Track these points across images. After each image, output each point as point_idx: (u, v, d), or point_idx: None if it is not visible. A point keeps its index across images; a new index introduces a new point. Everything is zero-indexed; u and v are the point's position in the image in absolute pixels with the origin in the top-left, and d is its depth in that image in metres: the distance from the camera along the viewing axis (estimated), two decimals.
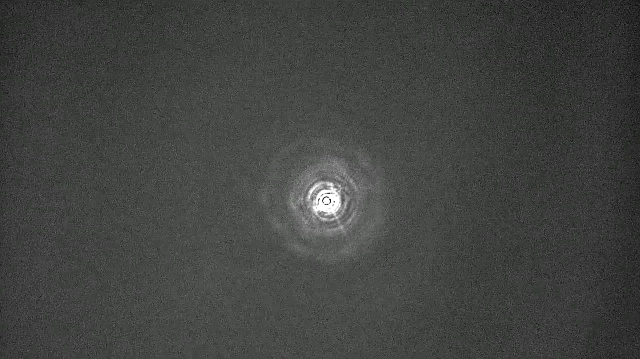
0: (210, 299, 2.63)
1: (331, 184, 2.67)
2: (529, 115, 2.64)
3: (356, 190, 2.64)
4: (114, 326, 2.60)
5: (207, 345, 2.62)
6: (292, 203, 2.68)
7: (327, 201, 2.69)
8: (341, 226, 2.66)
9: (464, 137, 2.64)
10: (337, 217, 2.68)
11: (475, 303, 2.62)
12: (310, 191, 2.68)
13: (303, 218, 2.68)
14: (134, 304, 2.61)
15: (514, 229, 2.63)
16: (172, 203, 2.63)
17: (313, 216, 2.68)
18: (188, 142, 2.64)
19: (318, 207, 2.69)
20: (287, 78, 2.65)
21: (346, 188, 2.64)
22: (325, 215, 2.69)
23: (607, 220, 2.62)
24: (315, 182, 2.68)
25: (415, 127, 2.65)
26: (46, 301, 2.59)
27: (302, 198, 2.68)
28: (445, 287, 2.62)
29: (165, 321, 2.61)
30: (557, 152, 2.64)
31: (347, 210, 2.67)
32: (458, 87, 2.64)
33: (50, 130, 2.62)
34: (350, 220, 2.67)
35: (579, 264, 2.62)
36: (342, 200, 2.67)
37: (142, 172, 2.63)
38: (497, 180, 2.63)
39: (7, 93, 2.61)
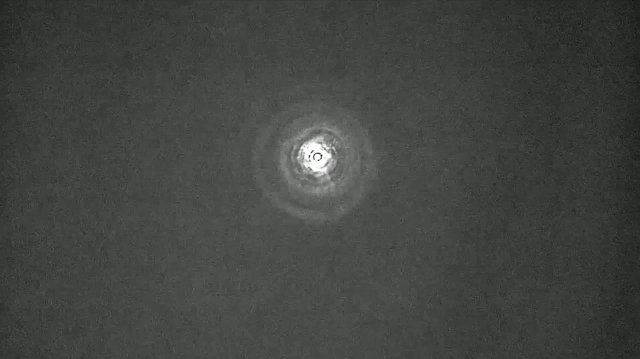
0: (207, 301, 2.63)
1: (322, 138, 2.65)
2: (528, 116, 2.64)
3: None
4: (113, 326, 2.60)
5: (205, 345, 2.63)
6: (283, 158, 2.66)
7: (318, 157, 2.67)
8: (331, 183, 2.65)
9: (462, 137, 2.64)
10: (327, 173, 2.66)
11: (474, 307, 2.62)
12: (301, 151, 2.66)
13: (292, 175, 2.66)
14: (133, 304, 2.61)
15: (514, 229, 2.63)
16: (172, 203, 2.63)
17: (303, 173, 2.66)
18: (186, 142, 2.64)
19: (309, 164, 2.66)
20: (287, 79, 2.65)
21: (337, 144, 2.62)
22: (314, 172, 2.66)
23: (607, 220, 2.61)
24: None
25: (416, 127, 2.65)
26: (46, 302, 2.59)
27: (293, 156, 2.66)
28: (443, 296, 2.62)
29: (165, 320, 2.61)
30: (557, 152, 2.64)
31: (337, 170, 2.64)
32: (456, 87, 2.64)
33: (50, 130, 2.62)
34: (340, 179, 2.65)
35: (580, 264, 2.62)
36: (333, 156, 2.65)
37: (141, 171, 2.63)
38: (497, 180, 2.63)
39: (7, 93, 2.61)
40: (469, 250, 2.62)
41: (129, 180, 2.62)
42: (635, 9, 2.63)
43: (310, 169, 2.66)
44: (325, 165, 2.66)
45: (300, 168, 2.67)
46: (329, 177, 2.65)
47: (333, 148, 2.63)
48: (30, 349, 2.58)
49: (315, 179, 2.67)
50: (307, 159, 2.66)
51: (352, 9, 2.64)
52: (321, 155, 2.66)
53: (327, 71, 2.64)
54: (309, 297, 2.64)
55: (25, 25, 2.61)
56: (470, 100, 2.64)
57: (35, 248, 2.59)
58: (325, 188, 2.66)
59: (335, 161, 2.66)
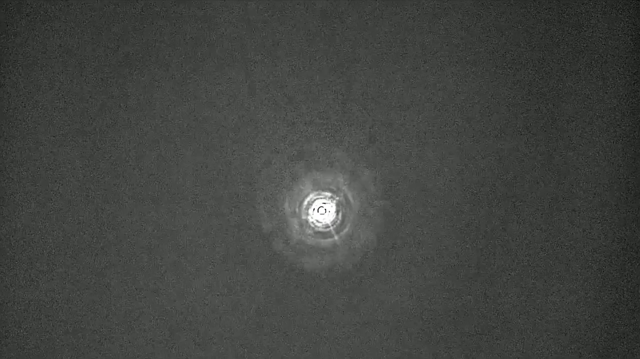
0: (207, 301, 2.63)
1: (327, 194, 2.66)
2: (528, 116, 2.64)
3: (352, 202, 2.64)
4: (113, 326, 2.60)
5: (204, 345, 2.63)
6: (288, 211, 2.67)
7: (322, 211, 2.68)
8: (336, 237, 2.66)
9: (462, 137, 2.64)
10: (332, 227, 2.67)
11: (474, 307, 2.62)
12: (306, 201, 2.67)
13: (297, 227, 2.67)
14: (133, 304, 2.61)
15: (514, 229, 2.63)
16: (172, 203, 2.63)
17: (308, 226, 2.67)
18: (186, 142, 2.64)
19: (313, 217, 2.68)
20: (287, 79, 2.65)
21: (341, 199, 2.63)
22: (321, 225, 2.68)
23: (607, 220, 2.61)
24: (310, 192, 2.67)
25: (416, 127, 2.65)
26: (46, 301, 2.59)
27: (297, 208, 2.67)
28: (443, 296, 2.62)
29: (165, 320, 2.61)
30: (557, 152, 2.64)
31: (342, 220, 2.66)
32: (456, 87, 2.64)
33: (50, 130, 2.62)
34: (345, 230, 2.66)
35: (580, 264, 2.62)
36: (338, 210, 2.66)
37: (141, 171, 2.63)
38: (497, 180, 2.63)
39: (7, 93, 2.61)
40: (469, 250, 2.62)
41: (129, 180, 2.62)
42: (635, 9, 2.63)
43: (317, 222, 2.68)
44: (333, 223, 2.67)
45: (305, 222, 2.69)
46: (334, 233, 2.67)
47: (338, 199, 2.64)
48: (30, 349, 2.58)
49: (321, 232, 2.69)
50: (311, 213, 2.67)
51: (352, 9, 2.64)
52: (326, 209, 2.67)
53: (327, 71, 2.64)
54: (309, 297, 2.64)
55: (25, 25, 2.61)
56: (470, 100, 2.64)
57: (35, 248, 2.59)
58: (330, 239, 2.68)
59: (340, 215, 2.67)
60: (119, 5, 2.63)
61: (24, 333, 2.58)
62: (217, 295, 2.62)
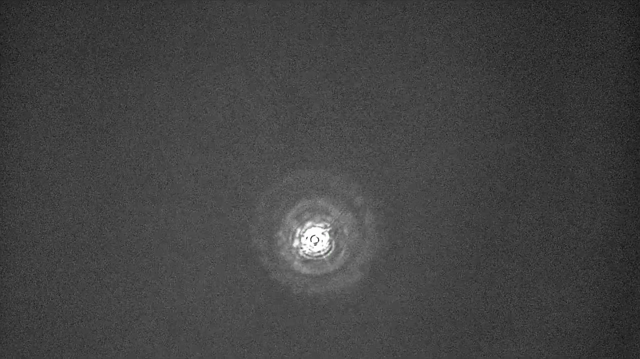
0: (207, 301, 2.63)
1: (320, 223, 2.66)
2: (529, 116, 2.64)
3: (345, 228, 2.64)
4: (113, 326, 2.60)
5: (204, 345, 2.63)
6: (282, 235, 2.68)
7: (315, 240, 2.67)
8: (329, 264, 2.66)
9: (462, 137, 2.64)
10: (324, 257, 2.66)
11: (474, 307, 2.62)
12: (299, 230, 2.67)
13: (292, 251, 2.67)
14: (133, 304, 2.61)
15: (514, 229, 2.62)
16: (172, 203, 2.63)
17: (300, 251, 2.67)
18: (187, 143, 2.64)
19: (306, 247, 2.67)
20: (287, 79, 2.65)
21: (335, 225, 2.63)
22: (313, 254, 2.67)
23: (607, 220, 2.61)
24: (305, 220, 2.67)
25: (416, 127, 2.64)
26: (46, 301, 2.59)
27: (290, 237, 2.67)
28: (443, 296, 2.62)
29: (164, 321, 2.61)
30: (557, 152, 2.63)
31: (335, 248, 2.65)
32: (456, 87, 2.64)
33: (50, 130, 2.62)
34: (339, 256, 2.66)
35: (580, 264, 2.62)
36: (330, 240, 2.66)
37: (141, 171, 2.63)
38: (497, 180, 2.63)
39: (7, 93, 2.61)
40: (469, 250, 2.62)
41: (129, 180, 2.62)
42: (635, 9, 2.63)
43: (309, 251, 2.68)
44: (326, 253, 2.67)
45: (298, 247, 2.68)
46: (329, 264, 2.66)
47: (332, 228, 2.64)
48: (30, 349, 2.58)
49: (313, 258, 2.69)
50: (303, 243, 2.67)
51: (352, 9, 2.64)
52: (318, 239, 2.67)
53: (327, 71, 2.64)
54: (309, 297, 2.64)
55: (25, 25, 2.61)
56: (470, 100, 2.64)
57: (35, 248, 2.59)
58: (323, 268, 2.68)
59: (334, 244, 2.66)
60: (119, 5, 2.63)
61: (24, 333, 2.58)
62: (217, 295, 2.62)
